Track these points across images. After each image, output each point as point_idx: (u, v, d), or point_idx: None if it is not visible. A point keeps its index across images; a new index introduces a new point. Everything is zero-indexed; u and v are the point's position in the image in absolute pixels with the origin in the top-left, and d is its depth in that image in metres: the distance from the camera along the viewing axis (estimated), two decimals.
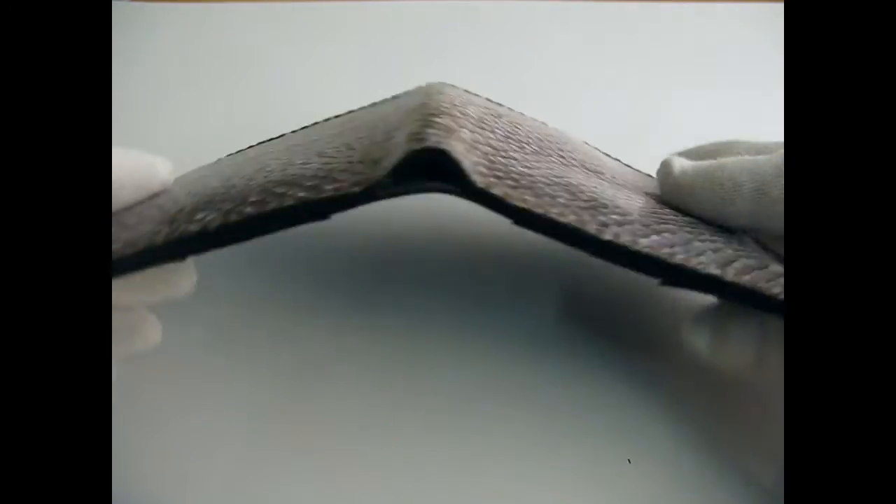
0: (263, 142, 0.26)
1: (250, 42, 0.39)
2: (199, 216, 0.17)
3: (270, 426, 0.23)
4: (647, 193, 0.21)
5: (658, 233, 0.17)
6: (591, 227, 0.16)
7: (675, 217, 0.19)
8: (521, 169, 0.17)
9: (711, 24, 0.38)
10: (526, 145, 0.19)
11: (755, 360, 0.19)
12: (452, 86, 0.24)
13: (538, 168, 0.18)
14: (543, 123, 0.26)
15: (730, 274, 0.17)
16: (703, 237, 0.18)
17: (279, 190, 0.16)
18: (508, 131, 0.20)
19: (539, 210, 0.16)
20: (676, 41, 0.37)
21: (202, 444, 0.22)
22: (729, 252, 0.18)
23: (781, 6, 0.18)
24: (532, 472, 0.22)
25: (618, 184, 0.21)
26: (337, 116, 0.27)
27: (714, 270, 0.17)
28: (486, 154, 0.17)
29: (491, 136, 0.18)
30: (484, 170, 0.16)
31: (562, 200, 0.17)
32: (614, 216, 0.17)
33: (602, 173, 0.21)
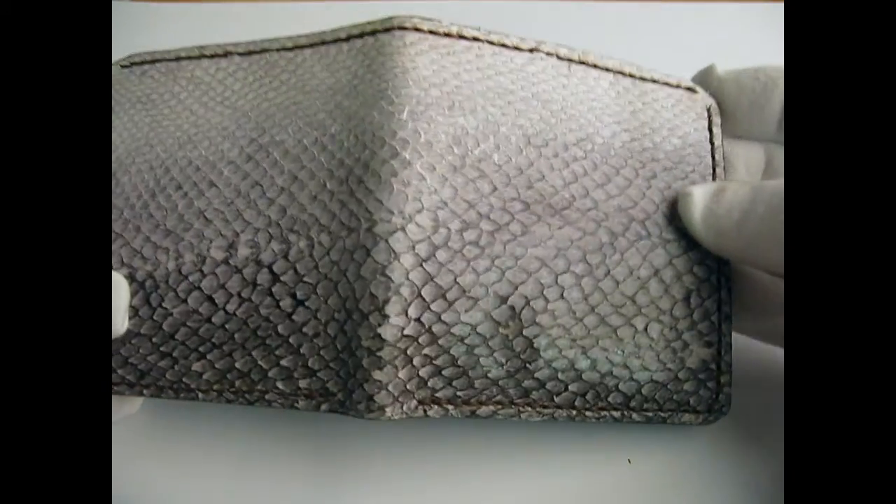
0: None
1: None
2: (197, 367, 0.20)
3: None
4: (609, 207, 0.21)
5: (576, 359, 0.20)
6: (512, 407, 0.20)
7: (615, 295, 0.20)
8: (462, 321, 0.19)
9: (711, 24, 0.38)
10: (488, 215, 0.19)
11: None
12: (411, 52, 0.21)
13: (482, 299, 0.19)
14: (529, 101, 0.22)
15: (634, 412, 0.21)
16: (624, 343, 0.20)
17: (263, 363, 0.19)
18: (475, 195, 0.20)
19: (465, 411, 0.19)
20: (676, 41, 0.37)
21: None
22: (643, 375, 0.20)
23: (781, 6, 0.18)
24: (532, 472, 0.22)
25: (578, 222, 0.20)
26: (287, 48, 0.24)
27: (615, 412, 0.20)
28: (420, 354, 0.19)
29: (443, 255, 0.19)
30: (412, 386, 0.19)
31: (493, 374, 0.19)
32: (541, 370, 0.20)
33: (567, 208, 0.20)
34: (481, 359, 0.19)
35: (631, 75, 0.23)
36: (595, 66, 0.23)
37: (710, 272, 0.21)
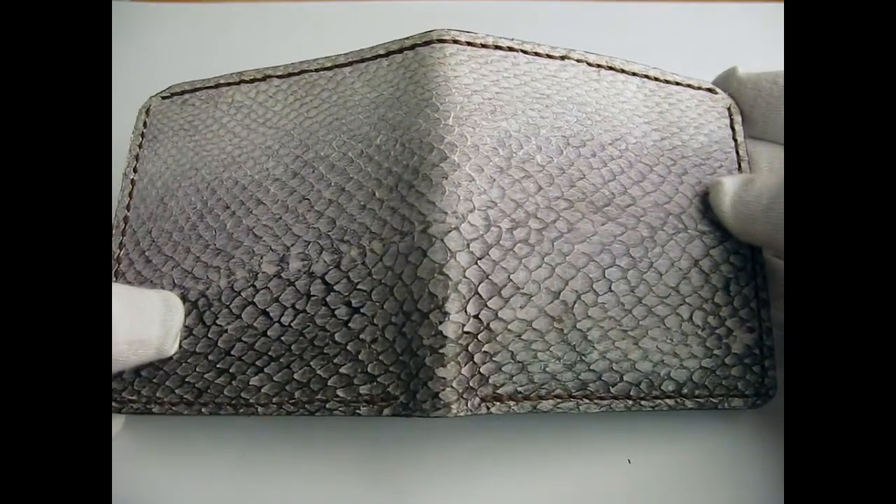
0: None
1: (251, 42, 0.39)
2: (255, 381, 0.20)
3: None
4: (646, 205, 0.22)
5: (628, 350, 0.20)
6: (571, 400, 0.20)
7: (659, 287, 0.21)
8: (518, 317, 0.19)
9: (711, 24, 0.38)
10: (535, 214, 0.20)
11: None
12: (452, 63, 0.22)
13: (535, 295, 0.20)
14: (565, 104, 0.23)
15: (686, 399, 0.21)
16: (672, 332, 0.21)
17: (322, 373, 0.20)
18: (522, 195, 0.20)
19: (526, 406, 0.20)
20: (676, 41, 0.37)
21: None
22: (692, 363, 0.21)
23: (781, 6, 0.18)
24: (532, 472, 0.22)
25: (619, 218, 0.21)
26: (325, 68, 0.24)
27: (669, 400, 0.21)
28: (478, 334, 0.19)
29: (496, 254, 0.19)
30: (474, 382, 0.19)
31: (551, 368, 0.20)
32: (597, 362, 0.20)
33: (608, 205, 0.21)
34: (539, 353, 0.20)
35: (655, 78, 0.24)
36: (622, 71, 0.24)
37: (746, 261, 0.22)
